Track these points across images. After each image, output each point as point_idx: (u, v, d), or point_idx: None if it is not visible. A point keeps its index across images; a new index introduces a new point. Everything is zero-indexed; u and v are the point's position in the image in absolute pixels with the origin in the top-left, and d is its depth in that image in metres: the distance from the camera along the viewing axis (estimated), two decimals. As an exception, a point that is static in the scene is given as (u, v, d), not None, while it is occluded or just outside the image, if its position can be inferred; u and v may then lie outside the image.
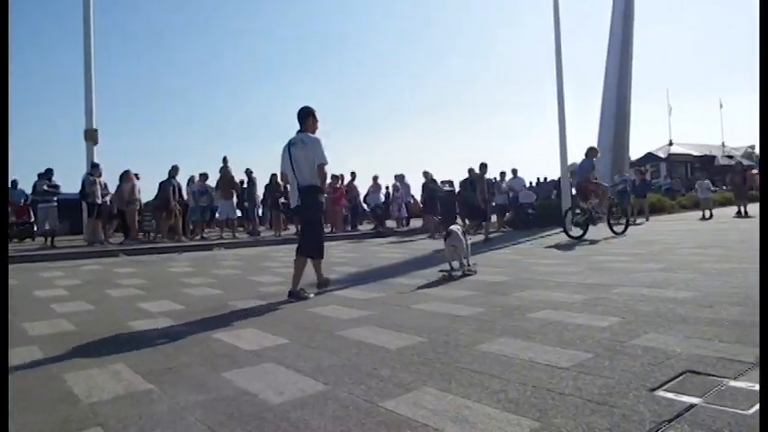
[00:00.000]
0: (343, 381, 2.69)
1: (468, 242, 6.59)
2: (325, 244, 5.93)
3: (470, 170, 14.41)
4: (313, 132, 5.60)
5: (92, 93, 13.66)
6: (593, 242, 10.27)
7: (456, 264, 6.34)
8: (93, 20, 13.84)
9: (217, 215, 15.63)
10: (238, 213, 16.18)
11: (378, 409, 2.29)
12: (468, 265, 6.42)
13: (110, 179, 13.81)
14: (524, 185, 17.45)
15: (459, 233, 6.35)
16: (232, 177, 15.23)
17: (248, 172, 16.30)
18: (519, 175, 17.54)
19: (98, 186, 12.70)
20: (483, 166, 13.08)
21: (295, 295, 5.30)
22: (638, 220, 16.05)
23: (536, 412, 2.16)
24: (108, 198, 13.34)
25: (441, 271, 6.43)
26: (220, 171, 15.13)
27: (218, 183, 15.18)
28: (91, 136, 13.59)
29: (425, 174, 15.25)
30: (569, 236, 11.24)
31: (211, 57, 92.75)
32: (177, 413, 2.37)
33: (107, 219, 13.61)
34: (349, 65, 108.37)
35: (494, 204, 16.14)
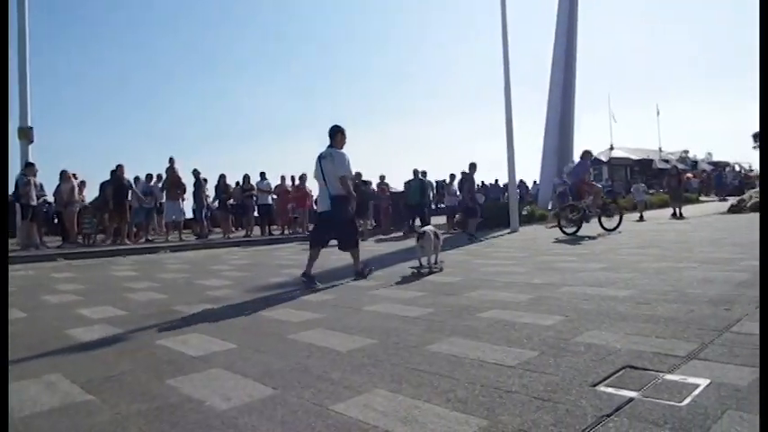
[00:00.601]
0: (293, 385, 2.67)
1: (439, 243, 7.14)
2: (276, 247, 5.93)
3: (415, 171, 14.68)
4: (341, 147, 6.50)
5: (26, 88, 12.96)
6: (541, 241, 10.57)
7: (425, 261, 6.85)
8: (29, 9, 13.14)
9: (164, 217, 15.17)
10: (190, 215, 15.75)
11: (328, 413, 2.27)
12: (435, 263, 6.96)
13: (47, 180, 13.23)
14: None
15: (431, 234, 6.83)
16: (179, 178, 14.81)
17: (195, 173, 15.87)
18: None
19: (33, 187, 12.07)
20: (472, 166, 13.40)
21: (308, 276, 6.11)
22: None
23: (484, 410, 2.21)
24: (43, 199, 12.72)
25: (411, 267, 7.00)
26: (167, 171, 14.68)
27: (164, 183, 14.72)
28: (25, 134, 12.89)
29: (357, 175, 14.58)
30: (564, 232, 11.87)
31: (163, 52, 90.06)
32: (119, 423, 2.28)
33: (43, 221, 12.95)
34: (306, 67, 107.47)
35: (444, 206, 16.38)
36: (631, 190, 22.11)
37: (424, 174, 16.41)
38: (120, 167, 13.66)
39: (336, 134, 6.50)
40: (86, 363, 3.28)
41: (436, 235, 7.02)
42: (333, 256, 9.71)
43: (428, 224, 13.23)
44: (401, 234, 14.77)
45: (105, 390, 2.73)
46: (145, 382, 2.84)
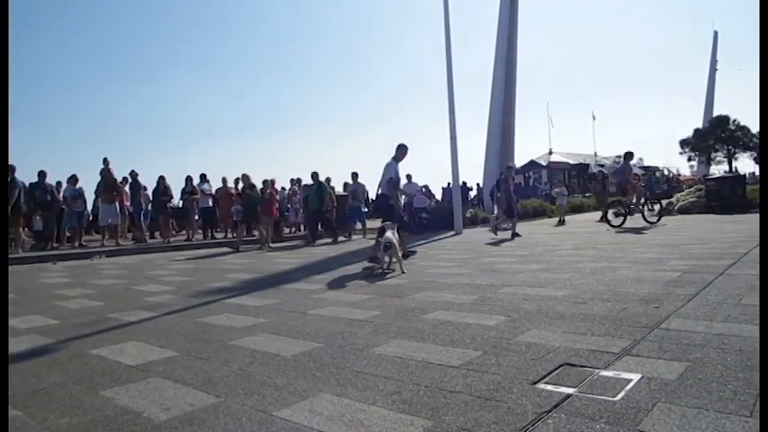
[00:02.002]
0: (236, 392, 2.61)
1: (396, 242, 7.06)
2: (216, 251, 5.81)
3: (313, 175, 14.57)
4: (399, 161, 8.63)
5: None
6: (484, 244, 10.79)
7: (387, 259, 7.06)
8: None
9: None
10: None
11: (272, 419, 2.24)
12: (390, 263, 7.13)
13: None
14: (418, 190, 17.92)
15: (390, 234, 6.94)
16: (115, 180, 14.22)
17: (133, 174, 15.28)
18: (413, 180, 17.99)
19: None
20: (509, 169, 14.20)
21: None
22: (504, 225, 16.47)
23: (428, 411, 2.23)
24: None
25: (365, 269, 7.28)
26: (101, 173, 14.06)
27: (98, 186, 14.09)
28: None
29: (245, 178, 14.02)
30: (611, 225, 13.00)
31: (91, 47, 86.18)
32: (48, 439, 2.17)
33: None
34: (250, 68, 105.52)
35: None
36: (552, 193, 21.75)
37: (328, 180, 15.99)
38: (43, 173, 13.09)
39: (399, 149, 8.65)
40: (13, 376, 3.08)
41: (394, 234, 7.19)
42: (279, 260, 9.59)
43: (333, 231, 14.06)
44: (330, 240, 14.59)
45: (33, 404, 2.58)
46: (77, 394, 2.71)
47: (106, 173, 14.04)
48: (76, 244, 13.74)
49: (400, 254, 7.16)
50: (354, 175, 16.06)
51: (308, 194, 15.18)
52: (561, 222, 16.62)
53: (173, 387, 2.73)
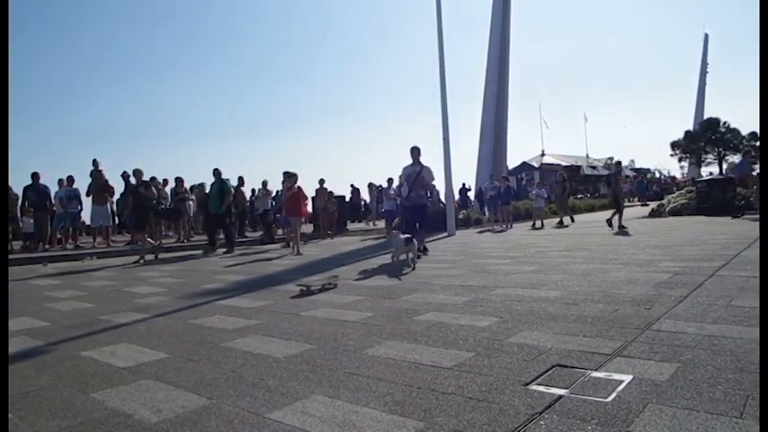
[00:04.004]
0: (228, 393, 2.60)
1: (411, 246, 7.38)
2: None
3: (215, 171, 12.48)
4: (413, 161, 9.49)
5: None
6: (476, 245, 10.82)
7: (402, 257, 7.36)
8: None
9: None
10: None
11: (264, 421, 2.23)
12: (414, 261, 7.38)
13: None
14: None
15: (401, 238, 7.31)
16: (106, 181, 14.13)
17: (125, 175, 15.19)
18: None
19: None
20: (618, 164, 14.91)
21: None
22: (497, 227, 16.42)
23: (421, 412, 2.23)
24: None
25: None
26: (91, 174, 13.96)
27: (89, 187, 14.00)
28: None
29: (136, 173, 11.78)
30: (734, 216, 13.75)
31: (86, 48, 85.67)
32: (37, 441, 2.15)
33: None
34: (245, 69, 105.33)
35: (383, 210, 16.44)
36: (530, 195, 20.18)
37: (241, 181, 15.45)
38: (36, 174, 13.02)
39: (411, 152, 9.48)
40: (2, 378, 3.06)
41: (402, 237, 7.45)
42: (273, 261, 9.57)
43: (231, 240, 12.36)
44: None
45: (23, 406, 2.56)
46: (67, 396, 2.69)
47: (97, 174, 13.96)
48: (70, 245, 13.64)
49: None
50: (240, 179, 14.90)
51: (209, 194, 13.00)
52: (540, 226, 16.04)
53: (164, 389, 2.71)
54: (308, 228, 18.68)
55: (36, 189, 13.09)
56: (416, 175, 9.41)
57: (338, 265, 8.19)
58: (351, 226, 20.71)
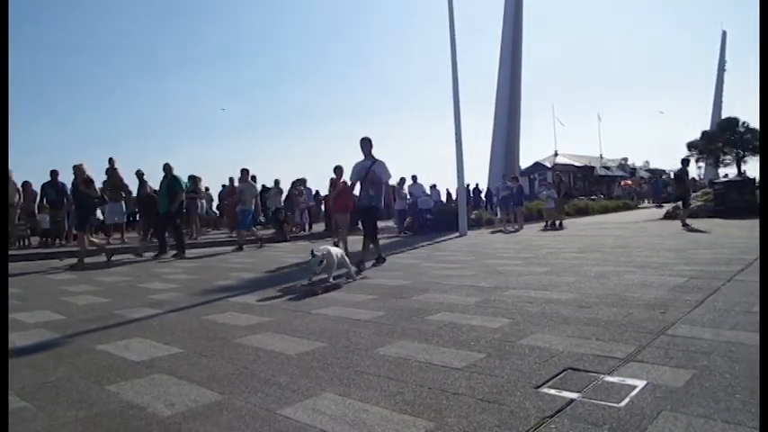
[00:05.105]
0: (240, 389, 2.62)
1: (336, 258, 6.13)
2: (221, 249, 5.80)
3: (165, 167, 11.29)
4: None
5: None
6: (488, 246, 10.78)
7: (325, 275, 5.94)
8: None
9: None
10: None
11: (275, 417, 2.25)
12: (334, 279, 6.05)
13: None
14: (423, 191, 17.91)
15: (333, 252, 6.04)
16: (121, 179, 14.29)
17: (139, 174, 15.35)
18: (419, 181, 18.00)
19: None
20: (685, 162, 14.70)
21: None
22: (509, 227, 16.31)
23: (431, 413, 2.23)
24: None
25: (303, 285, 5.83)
26: (107, 173, 14.14)
27: (104, 185, 14.16)
28: None
29: (77, 170, 10.54)
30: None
31: (97, 52, 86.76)
32: (54, 431, 2.18)
33: None
34: (256, 66, 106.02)
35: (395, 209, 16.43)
36: (541, 196, 19.59)
37: (194, 180, 14.99)
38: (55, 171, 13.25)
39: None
40: (22, 369, 3.12)
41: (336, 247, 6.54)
42: (284, 259, 9.61)
43: (181, 242, 11.12)
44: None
45: (41, 396, 2.61)
46: (83, 388, 2.73)
47: (112, 172, 14.13)
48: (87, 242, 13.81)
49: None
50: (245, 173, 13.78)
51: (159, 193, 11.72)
52: (549, 226, 16.02)
53: (177, 383, 2.74)
54: (318, 226, 18.76)
55: (54, 186, 13.29)
56: (367, 171, 7.86)
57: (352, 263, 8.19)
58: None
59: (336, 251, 6.27)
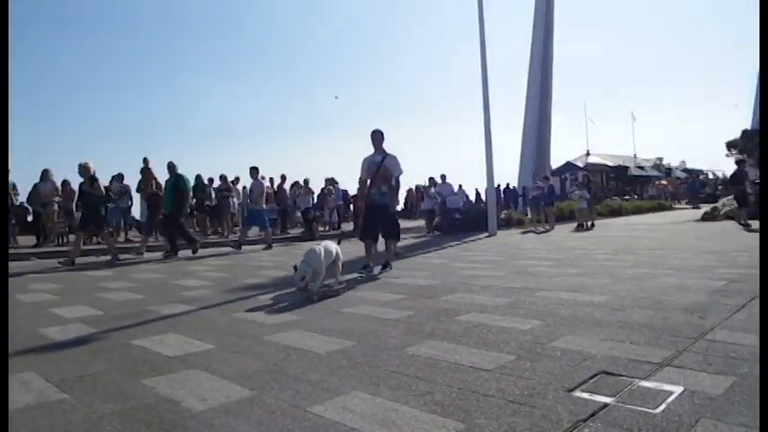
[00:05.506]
0: (270, 386, 2.65)
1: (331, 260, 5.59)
2: (254, 248, 5.85)
3: (170, 166, 11.16)
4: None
5: (7, 87, 12.60)
6: (518, 246, 10.66)
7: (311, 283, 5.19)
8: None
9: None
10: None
11: (305, 414, 2.26)
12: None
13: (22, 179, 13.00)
14: (452, 191, 17.82)
15: (321, 250, 5.38)
16: (154, 178, 14.61)
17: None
18: (447, 180, 17.91)
19: None
20: (743, 162, 14.75)
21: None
22: (540, 228, 16.17)
23: (461, 413, 2.22)
24: (17, 199, 12.56)
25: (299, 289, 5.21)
26: (141, 172, 14.48)
27: (139, 184, 14.52)
28: None
29: (82, 168, 10.04)
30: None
31: (135, 54, 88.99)
32: (93, 422, 2.25)
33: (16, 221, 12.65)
34: (280, 66, 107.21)
35: (424, 209, 16.38)
36: (572, 196, 19.72)
37: (200, 179, 15.02)
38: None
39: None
40: (61, 361, 3.22)
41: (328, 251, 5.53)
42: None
43: (170, 237, 10.84)
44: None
45: (80, 389, 2.68)
46: (120, 381, 2.80)
47: (147, 172, 14.46)
48: (121, 239, 14.19)
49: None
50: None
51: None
52: (583, 227, 16.04)
53: (210, 379, 2.79)
54: (347, 226, 18.83)
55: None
56: (378, 165, 7.19)
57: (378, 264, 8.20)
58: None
59: (331, 250, 5.55)
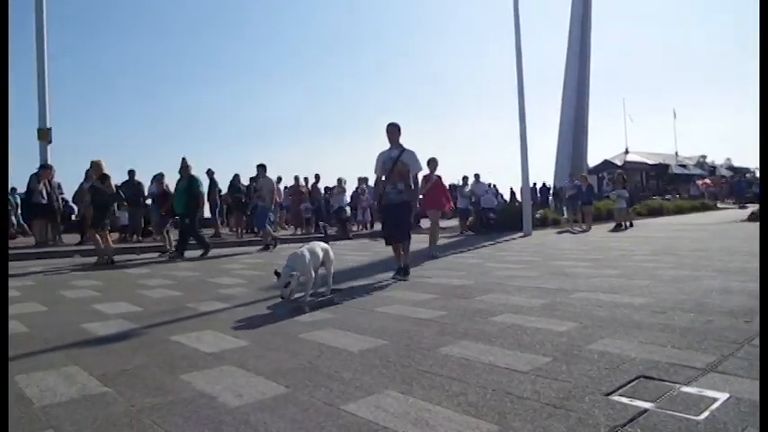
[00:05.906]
0: (304, 383, 2.67)
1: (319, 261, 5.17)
2: (288, 246, 5.91)
3: (182, 165, 11.25)
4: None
5: (45, 90, 13.11)
6: (554, 246, 10.48)
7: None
8: (47, 10, 13.28)
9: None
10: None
11: (338, 412, 2.28)
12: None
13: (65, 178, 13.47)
14: (486, 190, 17.63)
15: (306, 253, 4.96)
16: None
17: (209, 173, 16.02)
18: (481, 180, 17.75)
19: (43, 186, 12.26)
20: None
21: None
22: (576, 228, 15.84)
23: (495, 415, 2.19)
24: (62, 198, 13.01)
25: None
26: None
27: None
28: (44, 135, 13.09)
29: (95, 166, 10.01)
30: None
31: (173, 56, 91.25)
32: (133, 416, 2.31)
33: (52, 218, 13.00)
34: (321, 67, 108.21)
35: (457, 208, 16.25)
36: (610, 196, 19.37)
37: (211, 173, 15.17)
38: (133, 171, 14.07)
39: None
40: (103, 356, 3.32)
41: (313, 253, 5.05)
42: (347, 257, 9.73)
43: (182, 246, 10.49)
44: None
45: (121, 383, 2.76)
46: (159, 376, 2.87)
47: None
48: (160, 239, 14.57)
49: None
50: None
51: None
52: (621, 227, 15.79)
53: (245, 375, 2.84)
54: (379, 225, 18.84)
55: (132, 185, 14.08)
56: (394, 161, 6.70)
57: (414, 264, 8.19)
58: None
59: (317, 252, 5.11)
